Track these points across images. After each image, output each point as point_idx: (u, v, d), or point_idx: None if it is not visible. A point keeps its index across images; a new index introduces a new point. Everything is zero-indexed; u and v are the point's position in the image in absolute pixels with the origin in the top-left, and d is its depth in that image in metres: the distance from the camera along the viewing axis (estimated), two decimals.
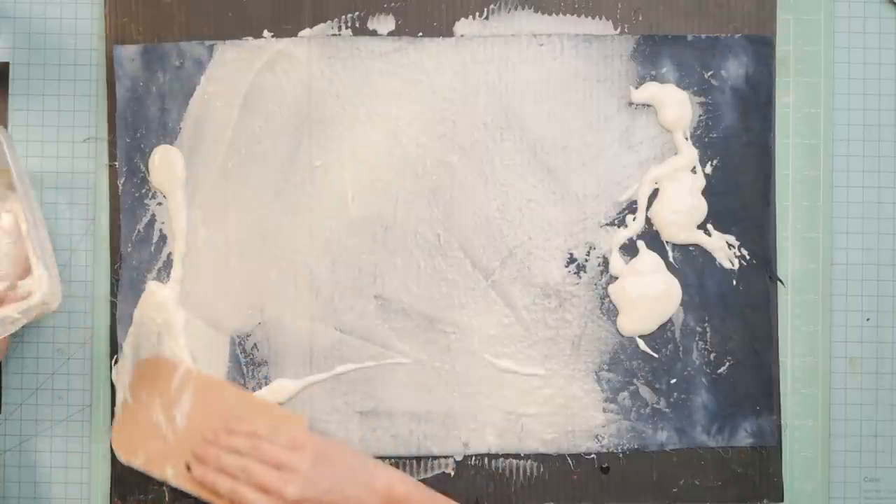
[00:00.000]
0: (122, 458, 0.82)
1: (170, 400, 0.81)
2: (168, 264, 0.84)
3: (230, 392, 0.83)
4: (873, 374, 0.85)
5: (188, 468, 0.80)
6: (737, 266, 0.84)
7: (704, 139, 0.84)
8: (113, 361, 0.84)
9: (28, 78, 0.86)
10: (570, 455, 0.84)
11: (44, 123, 0.86)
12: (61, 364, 0.85)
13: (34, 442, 0.85)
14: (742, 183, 0.84)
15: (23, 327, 0.77)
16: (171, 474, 0.81)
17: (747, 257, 0.84)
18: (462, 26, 0.85)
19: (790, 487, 0.85)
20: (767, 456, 0.84)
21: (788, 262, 0.85)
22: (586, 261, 0.84)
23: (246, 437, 0.78)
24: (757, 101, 0.84)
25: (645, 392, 0.84)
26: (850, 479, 0.85)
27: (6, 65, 0.86)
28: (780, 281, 0.85)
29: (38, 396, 0.85)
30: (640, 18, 0.85)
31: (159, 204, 0.84)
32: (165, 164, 0.84)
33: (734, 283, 0.84)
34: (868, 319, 0.86)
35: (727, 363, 0.84)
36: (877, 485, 0.85)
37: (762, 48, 0.85)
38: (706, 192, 0.84)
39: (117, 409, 0.83)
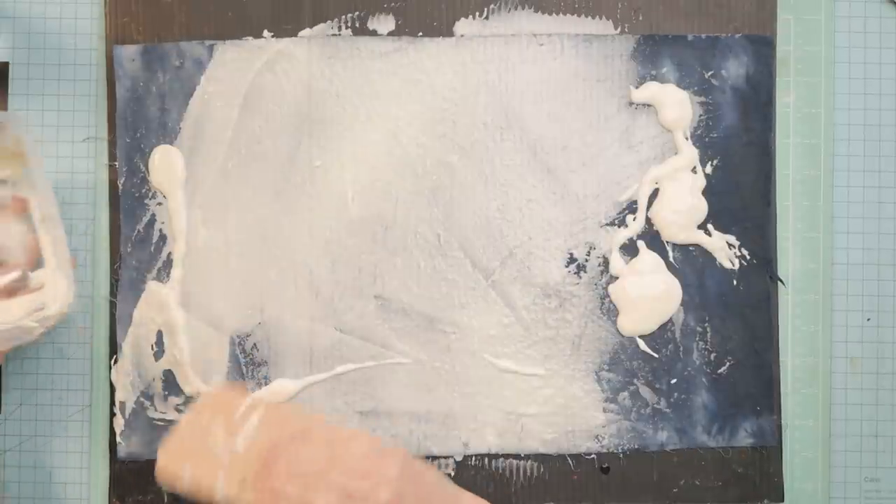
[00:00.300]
0: (168, 469, 0.76)
1: (233, 427, 0.77)
2: (168, 264, 0.84)
3: (298, 413, 0.79)
4: (874, 374, 0.85)
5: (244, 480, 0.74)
6: (737, 266, 0.84)
7: (705, 139, 0.84)
8: (112, 361, 0.84)
9: (28, 78, 0.86)
10: (570, 455, 0.84)
11: (44, 123, 0.86)
12: (61, 364, 0.85)
13: (34, 442, 0.85)
14: (742, 183, 0.84)
15: None
16: (221, 486, 0.75)
17: (747, 257, 0.84)
18: (462, 26, 0.85)
19: (790, 487, 0.84)
20: (768, 456, 0.84)
21: (789, 262, 0.85)
22: (586, 261, 0.84)
23: (322, 443, 0.72)
24: (757, 101, 0.84)
25: (645, 392, 0.84)
26: (851, 479, 0.85)
27: (6, 65, 0.86)
28: (781, 281, 0.85)
29: (38, 396, 0.85)
30: (641, 18, 0.85)
31: (159, 204, 0.84)
32: (165, 164, 0.84)
33: (734, 283, 0.84)
34: (869, 319, 0.85)
35: (727, 363, 0.84)
36: (877, 485, 0.85)
37: (762, 48, 0.85)
38: (706, 192, 0.84)
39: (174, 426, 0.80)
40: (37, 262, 0.77)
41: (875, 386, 0.85)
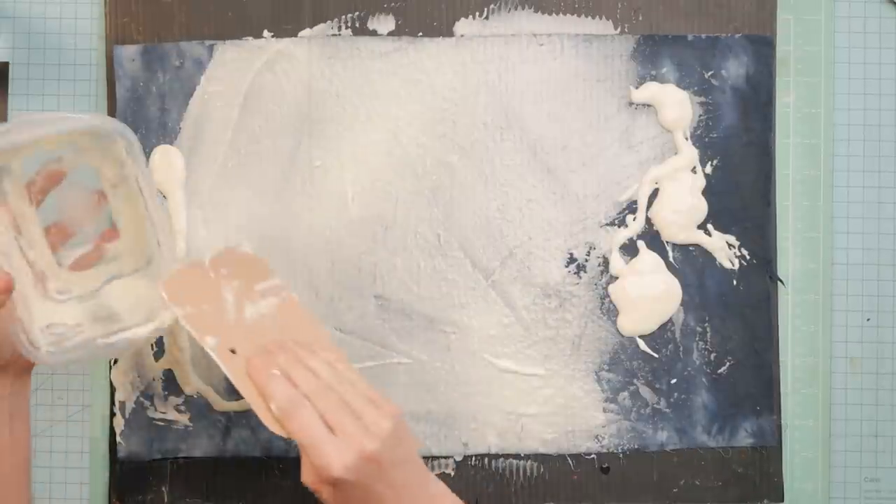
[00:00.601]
0: (169, 299, 0.69)
1: (248, 295, 0.73)
2: None
3: (312, 320, 0.75)
4: (874, 374, 0.85)
5: (232, 351, 0.69)
6: (737, 266, 0.84)
7: (704, 139, 0.84)
8: (112, 361, 0.84)
9: (28, 78, 0.86)
10: (570, 455, 0.84)
11: None
12: None
13: (34, 442, 0.85)
14: (742, 183, 0.84)
15: None
16: (213, 344, 0.68)
17: (747, 257, 0.84)
18: (462, 26, 0.85)
19: (790, 487, 0.84)
20: (767, 456, 0.84)
21: (788, 262, 0.85)
22: (586, 261, 0.84)
23: (332, 363, 0.68)
24: (757, 101, 0.84)
25: (645, 392, 0.84)
26: (851, 479, 0.85)
27: (6, 65, 0.86)
28: (781, 281, 0.85)
29: (38, 396, 0.85)
30: (640, 18, 0.85)
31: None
32: (165, 164, 0.84)
33: (734, 283, 0.84)
34: (868, 319, 0.85)
35: (727, 363, 0.84)
36: (877, 485, 0.85)
37: (762, 48, 0.85)
38: (706, 192, 0.84)
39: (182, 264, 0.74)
40: (109, 235, 0.74)
41: (875, 386, 0.85)
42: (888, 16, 0.86)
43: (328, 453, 0.62)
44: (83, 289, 0.72)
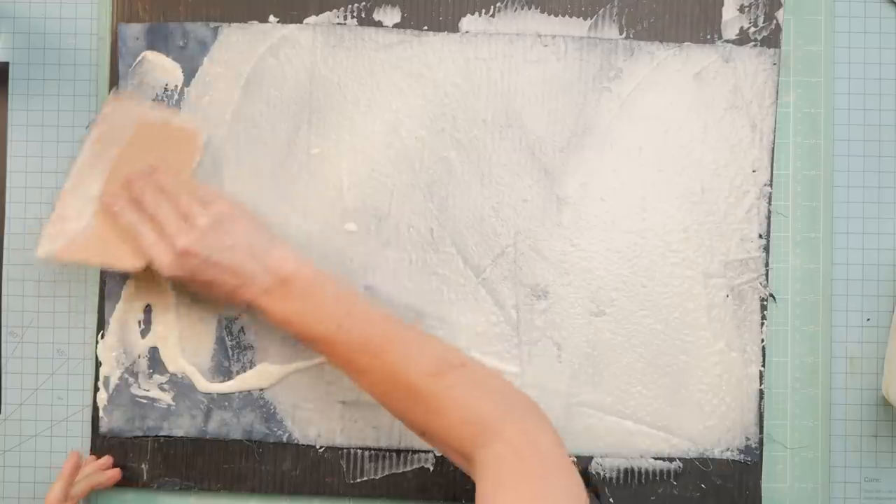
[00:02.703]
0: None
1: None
2: None
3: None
4: (873, 374, 0.85)
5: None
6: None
7: None
8: (100, 336, 0.84)
9: (28, 78, 0.86)
10: None
11: (44, 123, 0.86)
12: (61, 364, 0.85)
13: (34, 442, 0.85)
14: None
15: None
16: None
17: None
18: (468, 22, 0.85)
19: (790, 487, 0.84)
20: (748, 469, 0.83)
21: (789, 262, 0.85)
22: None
23: (171, 179, 0.78)
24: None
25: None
26: (851, 479, 0.84)
27: (6, 65, 0.86)
28: (772, 297, 0.84)
29: (38, 396, 0.85)
30: (644, 22, 0.85)
31: None
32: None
33: (726, 296, 0.84)
34: (868, 319, 0.85)
35: (712, 374, 0.84)
36: (877, 485, 0.84)
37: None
38: None
39: None
40: None
41: (875, 386, 0.85)
42: (888, 16, 0.86)
43: (153, 255, 0.75)
44: None
